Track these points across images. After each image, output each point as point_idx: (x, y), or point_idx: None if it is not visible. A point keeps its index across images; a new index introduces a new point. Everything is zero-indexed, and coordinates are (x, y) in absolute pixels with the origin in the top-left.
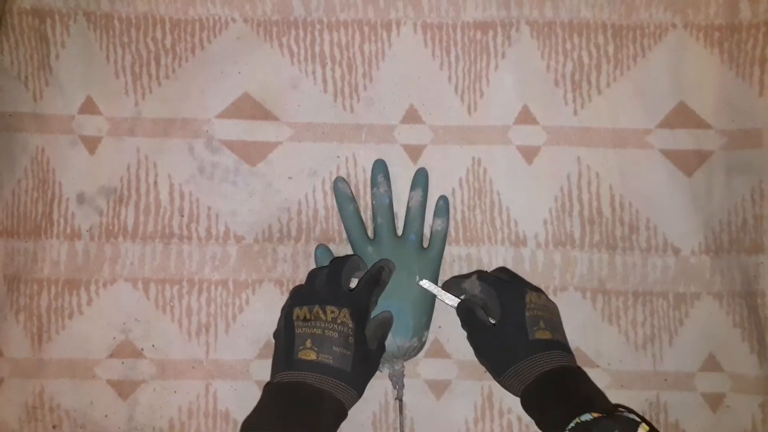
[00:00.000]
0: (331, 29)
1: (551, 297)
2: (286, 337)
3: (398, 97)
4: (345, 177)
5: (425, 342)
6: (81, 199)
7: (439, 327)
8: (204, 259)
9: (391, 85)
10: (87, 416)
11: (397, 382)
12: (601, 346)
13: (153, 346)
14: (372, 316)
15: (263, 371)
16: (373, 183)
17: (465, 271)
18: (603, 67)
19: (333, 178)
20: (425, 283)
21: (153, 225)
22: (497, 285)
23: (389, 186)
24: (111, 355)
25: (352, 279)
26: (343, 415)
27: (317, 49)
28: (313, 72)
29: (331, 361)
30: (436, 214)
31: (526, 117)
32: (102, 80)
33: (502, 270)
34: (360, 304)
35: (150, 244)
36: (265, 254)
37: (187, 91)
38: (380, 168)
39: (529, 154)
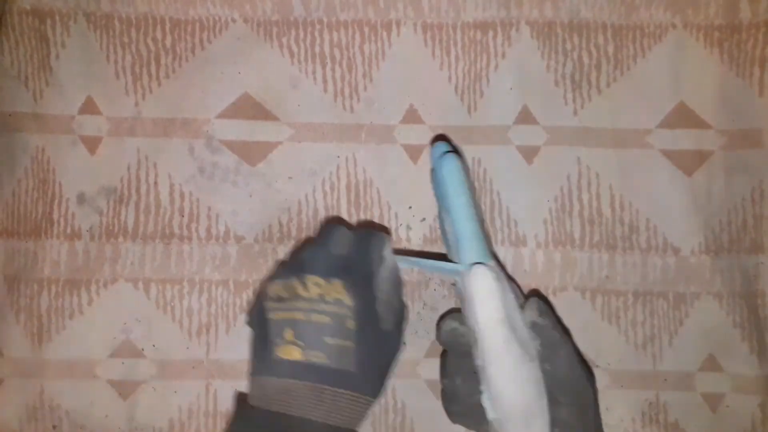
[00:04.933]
0: (331, 29)
1: (551, 297)
2: (258, 324)
3: (398, 97)
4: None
5: None
6: (81, 199)
7: None
8: (204, 260)
9: (391, 85)
10: (87, 416)
11: None
12: (601, 346)
13: (153, 346)
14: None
15: None
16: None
17: None
18: (603, 67)
19: (333, 178)
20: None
21: (153, 225)
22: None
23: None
24: (111, 355)
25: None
26: None
27: (317, 49)
28: (313, 72)
29: (325, 361)
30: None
31: (526, 117)
32: (102, 80)
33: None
34: (362, 269)
35: (150, 244)
36: (266, 254)
37: (187, 91)
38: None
39: (529, 154)
